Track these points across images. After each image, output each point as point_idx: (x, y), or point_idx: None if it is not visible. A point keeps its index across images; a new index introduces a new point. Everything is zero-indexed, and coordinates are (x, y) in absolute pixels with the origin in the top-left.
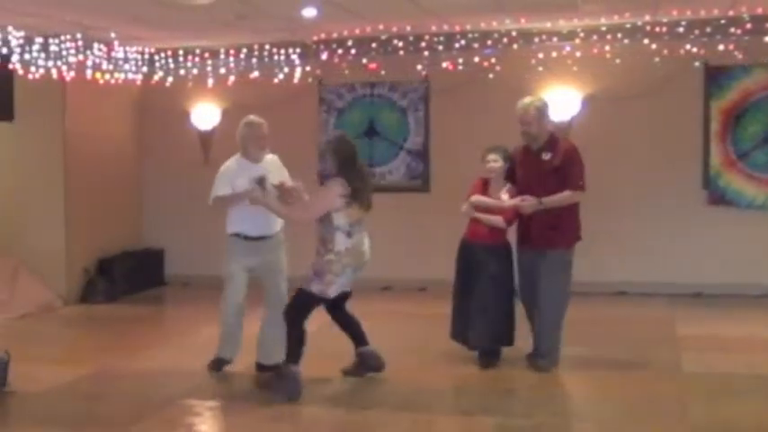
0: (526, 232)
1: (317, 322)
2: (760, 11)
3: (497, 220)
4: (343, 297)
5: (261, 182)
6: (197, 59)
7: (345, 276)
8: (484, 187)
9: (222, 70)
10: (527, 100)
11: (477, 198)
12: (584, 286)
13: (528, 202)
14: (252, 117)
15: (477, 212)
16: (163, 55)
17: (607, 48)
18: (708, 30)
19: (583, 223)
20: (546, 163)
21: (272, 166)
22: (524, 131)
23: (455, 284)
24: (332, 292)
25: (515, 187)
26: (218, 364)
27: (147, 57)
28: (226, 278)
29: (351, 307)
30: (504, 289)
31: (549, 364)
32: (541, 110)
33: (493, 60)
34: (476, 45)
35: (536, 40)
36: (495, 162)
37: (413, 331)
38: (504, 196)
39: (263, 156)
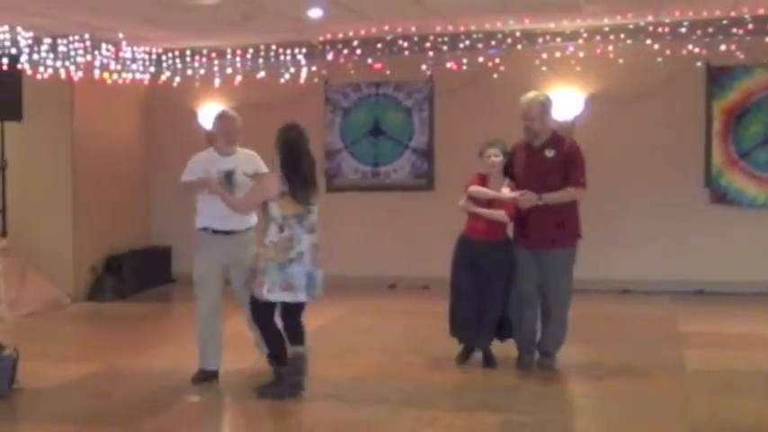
0: (526, 230)
1: (328, 316)
2: (761, 11)
3: (500, 214)
4: (296, 307)
5: (228, 175)
6: (204, 59)
7: (274, 276)
8: (482, 183)
9: (229, 70)
10: (531, 95)
11: (477, 189)
12: (588, 284)
13: (527, 197)
14: (225, 110)
15: (477, 207)
16: (170, 55)
17: (610, 48)
18: (710, 30)
19: (586, 222)
20: (550, 160)
21: (245, 160)
22: (527, 127)
23: (455, 281)
24: (266, 293)
25: (513, 183)
26: (202, 376)
27: (154, 57)
28: (196, 282)
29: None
30: (506, 284)
31: (554, 363)
32: (545, 105)
33: (497, 60)
34: (480, 45)
35: (540, 40)
36: (497, 157)
37: (416, 329)
38: (505, 190)
39: (233, 150)
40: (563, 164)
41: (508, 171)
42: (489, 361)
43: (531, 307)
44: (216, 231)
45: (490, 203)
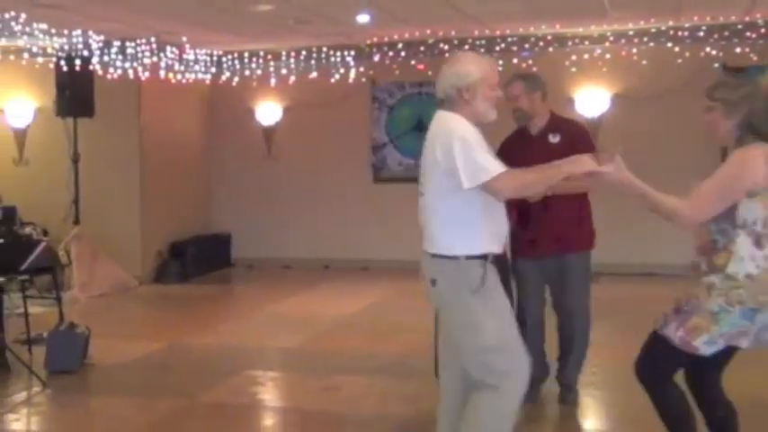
0: (531, 232)
1: (374, 297)
2: None
3: None
4: (726, 356)
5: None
6: (261, 61)
7: (728, 325)
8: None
9: (284, 71)
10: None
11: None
12: (615, 267)
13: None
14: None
15: None
16: (230, 57)
17: (634, 50)
18: (726, 34)
19: (614, 209)
20: (556, 146)
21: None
22: (515, 109)
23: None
24: (701, 344)
25: None
26: None
27: (215, 59)
28: (494, 347)
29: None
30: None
31: (577, 395)
32: (529, 82)
33: (530, 62)
34: (514, 48)
35: (569, 43)
36: None
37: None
38: None
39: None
40: (570, 150)
41: None
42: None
43: (540, 333)
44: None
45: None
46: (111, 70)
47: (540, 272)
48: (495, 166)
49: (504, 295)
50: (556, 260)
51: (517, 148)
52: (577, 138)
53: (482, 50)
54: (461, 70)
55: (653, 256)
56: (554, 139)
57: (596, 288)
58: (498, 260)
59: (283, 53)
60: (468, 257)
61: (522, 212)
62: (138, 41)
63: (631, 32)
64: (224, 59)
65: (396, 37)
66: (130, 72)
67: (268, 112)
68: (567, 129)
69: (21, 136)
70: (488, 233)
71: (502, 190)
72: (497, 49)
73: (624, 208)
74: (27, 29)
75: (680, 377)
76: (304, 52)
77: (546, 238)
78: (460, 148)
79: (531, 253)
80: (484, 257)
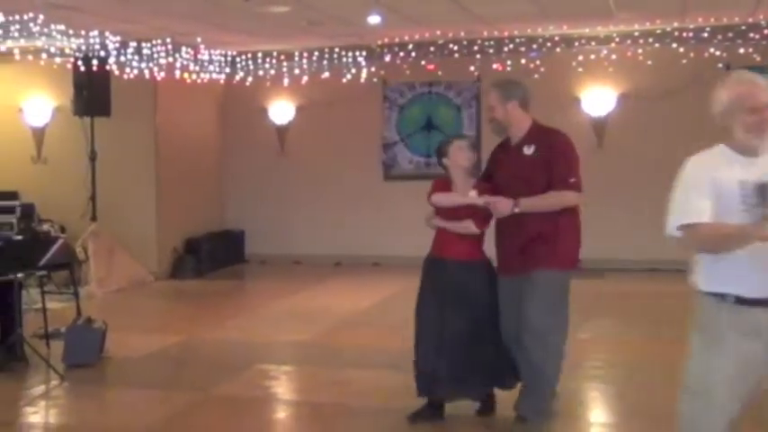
0: (502, 249)
1: (384, 293)
2: None
3: (467, 225)
4: None
5: (764, 190)
6: (274, 61)
7: None
8: (445, 190)
9: (296, 71)
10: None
11: (438, 197)
12: (619, 263)
13: (501, 203)
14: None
15: (441, 221)
16: (244, 57)
17: (639, 51)
18: (729, 35)
19: (620, 208)
20: (529, 159)
21: None
22: (490, 119)
23: (422, 314)
24: None
25: (483, 184)
26: None
27: (229, 59)
28: (692, 390)
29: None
30: (496, 317)
31: (533, 415)
32: (503, 90)
33: (538, 62)
34: (522, 49)
35: (576, 44)
36: (468, 149)
37: None
38: (472, 193)
39: (764, 143)
40: (547, 163)
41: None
42: (486, 407)
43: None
44: (743, 301)
45: (456, 213)
46: (128, 70)
47: (513, 291)
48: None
49: None
50: (524, 278)
51: (497, 160)
52: (553, 149)
53: (491, 51)
54: (714, 98)
55: (656, 253)
56: (528, 150)
57: (601, 283)
58: (488, 266)
59: (296, 53)
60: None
61: (497, 231)
62: (154, 42)
63: (637, 33)
64: (238, 60)
65: (406, 38)
66: (146, 72)
67: (281, 111)
68: (544, 140)
69: (39, 134)
70: None
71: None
72: (505, 49)
73: (628, 206)
74: (45, 30)
75: None
76: (316, 53)
77: (512, 255)
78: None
79: (503, 272)
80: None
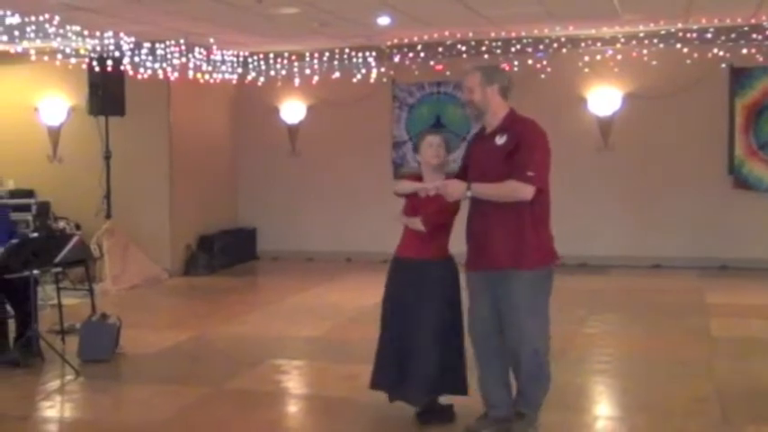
0: (473, 242)
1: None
2: None
3: (415, 221)
4: None
5: None
6: (285, 62)
7: None
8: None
9: (307, 71)
10: None
11: (396, 185)
12: (624, 260)
13: (452, 186)
14: None
15: (403, 217)
16: (256, 58)
17: (644, 51)
18: (733, 35)
19: (625, 206)
20: (499, 149)
21: None
22: (468, 102)
23: (383, 314)
24: None
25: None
26: None
27: (241, 59)
28: None
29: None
30: (452, 316)
31: (529, 427)
32: (486, 74)
33: (544, 63)
34: (529, 49)
35: (582, 44)
36: (439, 147)
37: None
38: (443, 180)
39: None
40: (514, 152)
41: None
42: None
43: (488, 356)
44: None
45: (414, 208)
46: (142, 71)
47: (485, 285)
48: None
49: None
50: (500, 275)
51: (471, 150)
52: (521, 139)
53: (498, 52)
54: None
55: (660, 250)
56: (500, 140)
57: (606, 280)
58: (448, 265)
59: (307, 54)
60: None
61: (467, 226)
62: (168, 43)
63: (642, 34)
64: (250, 60)
65: (415, 39)
66: (160, 72)
67: (292, 110)
68: (516, 129)
69: (55, 134)
70: None
71: None
72: (513, 50)
73: (633, 204)
74: (61, 31)
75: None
76: (327, 53)
77: (478, 249)
78: None
79: (471, 266)
80: None
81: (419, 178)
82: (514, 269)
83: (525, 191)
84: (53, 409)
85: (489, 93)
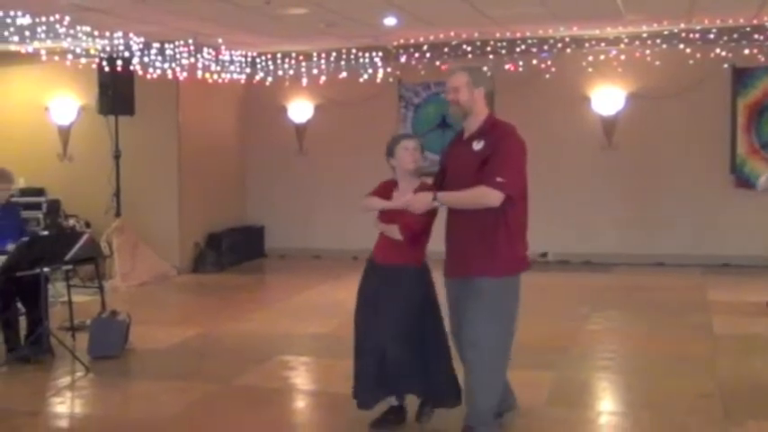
0: (452, 254)
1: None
2: None
3: (392, 229)
4: None
5: None
6: (293, 62)
7: None
8: (386, 193)
9: (315, 71)
10: None
11: (365, 203)
12: (627, 257)
13: (418, 198)
14: None
15: (380, 224)
16: (264, 58)
17: (648, 52)
18: (735, 36)
19: (628, 204)
20: (476, 155)
21: None
22: (452, 101)
23: (355, 318)
24: None
25: (429, 185)
26: None
27: (249, 59)
28: None
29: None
30: (432, 323)
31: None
32: (474, 75)
33: (549, 63)
34: (534, 49)
35: (586, 45)
36: (416, 150)
37: None
38: (409, 196)
39: None
40: (489, 158)
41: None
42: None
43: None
44: None
45: (391, 216)
46: (151, 71)
47: (461, 291)
48: None
49: None
50: (463, 282)
51: (449, 155)
52: (496, 144)
53: (503, 52)
54: None
55: (663, 248)
56: (477, 146)
57: (610, 277)
58: (423, 272)
59: (314, 54)
60: None
61: (446, 231)
62: (177, 43)
63: (645, 34)
64: (258, 60)
65: (421, 39)
66: (169, 72)
67: (300, 110)
68: (494, 135)
69: (65, 133)
70: None
71: None
72: (517, 50)
73: (636, 202)
74: (71, 31)
75: None
76: (334, 53)
77: (454, 256)
78: None
79: (447, 272)
80: None
81: (393, 183)
82: (479, 276)
83: (492, 197)
84: (63, 405)
85: (476, 95)
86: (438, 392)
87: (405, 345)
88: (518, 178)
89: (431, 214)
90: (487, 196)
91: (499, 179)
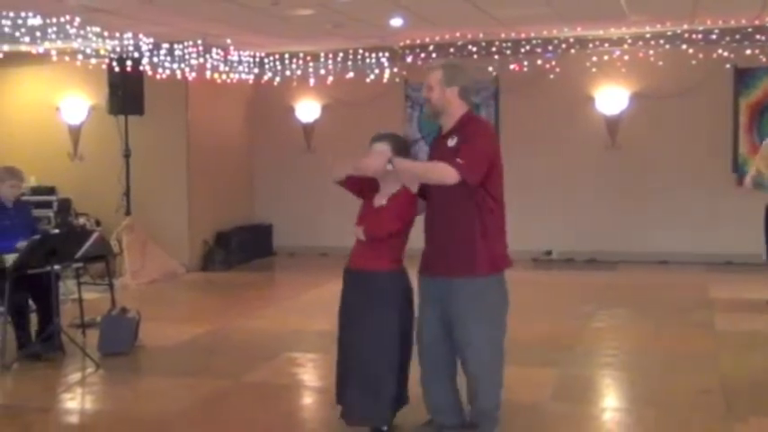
0: (428, 252)
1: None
2: None
3: (358, 231)
4: None
5: None
6: (301, 62)
7: None
8: (373, 184)
9: (322, 71)
10: None
11: (332, 174)
12: (631, 256)
13: (372, 158)
14: None
15: (355, 227)
16: (271, 58)
17: (651, 52)
18: (737, 36)
19: (632, 203)
20: (450, 151)
21: None
22: (426, 99)
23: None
24: None
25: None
26: None
27: (258, 60)
28: None
29: None
30: (402, 330)
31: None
32: (448, 73)
33: (553, 63)
34: (539, 50)
35: (590, 45)
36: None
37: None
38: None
39: None
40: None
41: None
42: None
43: (436, 368)
44: None
45: (361, 218)
46: (160, 71)
47: (434, 290)
48: None
49: None
50: (448, 283)
51: (431, 149)
52: (465, 139)
53: (508, 52)
54: None
55: (667, 246)
56: (451, 142)
57: (615, 275)
58: (394, 278)
59: (322, 54)
60: None
61: (424, 229)
62: (186, 44)
63: (648, 35)
64: (266, 60)
65: (427, 39)
66: (178, 73)
67: (307, 109)
68: (466, 130)
69: (75, 132)
70: None
71: None
72: (522, 50)
73: (640, 201)
74: (81, 32)
75: None
76: (341, 54)
77: (432, 255)
78: None
79: (424, 270)
80: None
81: (376, 181)
82: (462, 277)
83: (447, 173)
84: (74, 401)
85: (449, 93)
86: (356, 405)
87: (384, 358)
88: (478, 165)
89: (402, 220)
90: (442, 172)
91: (459, 160)
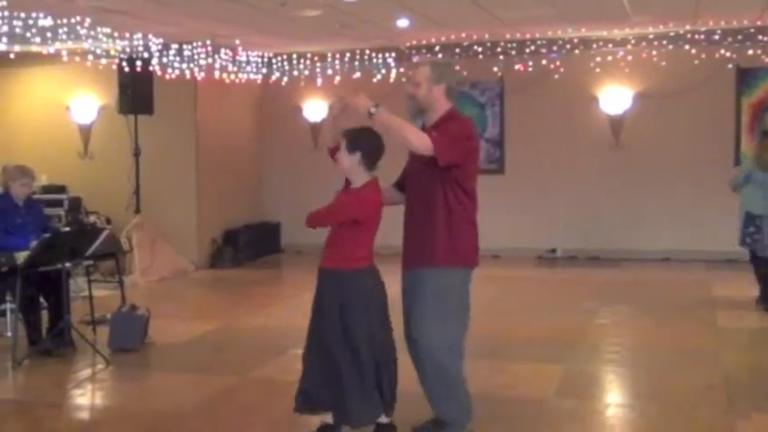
0: (403, 246)
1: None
2: None
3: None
4: None
5: None
6: (308, 62)
7: None
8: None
9: (329, 71)
10: None
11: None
12: (634, 253)
13: (358, 98)
14: None
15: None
16: (279, 58)
17: (654, 52)
18: (739, 37)
19: (636, 201)
20: None
21: None
22: (410, 96)
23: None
24: None
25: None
26: None
27: (266, 60)
28: None
29: None
30: (378, 327)
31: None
32: (436, 71)
33: (558, 63)
34: (543, 50)
35: (594, 45)
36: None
37: (487, 292)
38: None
39: None
40: None
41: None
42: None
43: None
44: None
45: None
46: (170, 71)
47: (406, 283)
48: None
49: None
50: (413, 274)
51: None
52: (445, 132)
53: (513, 53)
54: None
55: (669, 243)
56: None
57: (618, 272)
58: (351, 276)
59: (329, 55)
60: None
61: (403, 223)
62: (195, 44)
63: (651, 36)
64: (274, 61)
65: (433, 40)
66: (187, 73)
67: (314, 109)
68: (445, 125)
69: (86, 132)
70: None
71: None
72: (527, 51)
73: (643, 199)
74: (92, 32)
75: None
76: (348, 54)
77: (406, 247)
78: None
79: (402, 264)
80: None
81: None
82: (423, 267)
83: (422, 140)
84: (84, 397)
85: (435, 91)
86: (344, 408)
87: (325, 354)
88: (452, 148)
89: (345, 215)
90: (419, 136)
91: (439, 138)
